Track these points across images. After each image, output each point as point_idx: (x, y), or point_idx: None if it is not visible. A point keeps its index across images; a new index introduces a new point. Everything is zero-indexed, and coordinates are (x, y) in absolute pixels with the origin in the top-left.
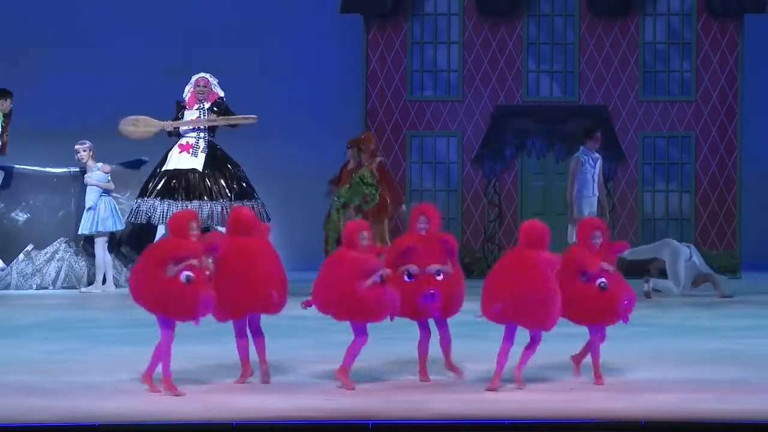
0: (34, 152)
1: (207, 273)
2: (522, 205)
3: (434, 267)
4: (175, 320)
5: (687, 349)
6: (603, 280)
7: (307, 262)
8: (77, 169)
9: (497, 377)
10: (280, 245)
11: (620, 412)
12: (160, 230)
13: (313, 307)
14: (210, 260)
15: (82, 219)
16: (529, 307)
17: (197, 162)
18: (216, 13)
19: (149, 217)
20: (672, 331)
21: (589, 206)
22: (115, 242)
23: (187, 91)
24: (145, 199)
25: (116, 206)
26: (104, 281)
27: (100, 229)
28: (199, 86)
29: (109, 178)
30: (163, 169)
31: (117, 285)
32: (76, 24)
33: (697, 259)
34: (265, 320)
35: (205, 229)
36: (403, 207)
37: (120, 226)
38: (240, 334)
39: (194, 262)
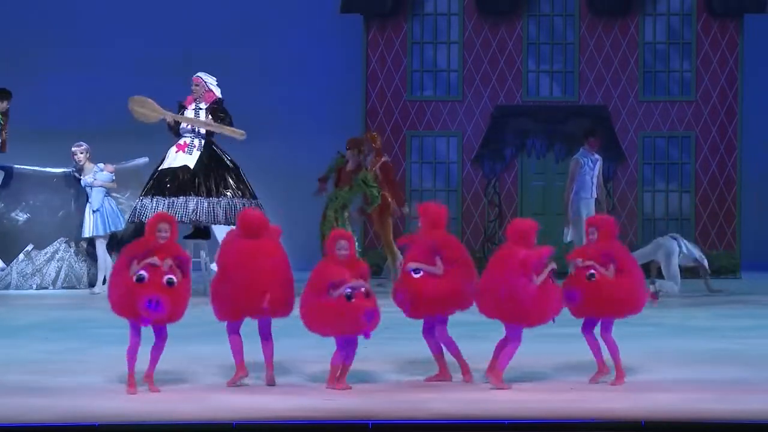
0: (34, 152)
1: (167, 277)
2: (522, 205)
3: (413, 265)
4: (132, 322)
5: (687, 349)
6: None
7: (307, 262)
8: (70, 170)
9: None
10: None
11: (620, 412)
12: None
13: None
14: (171, 264)
15: (88, 221)
16: (495, 301)
17: (190, 159)
18: (216, 13)
19: (144, 216)
20: (672, 331)
21: (587, 208)
22: (115, 242)
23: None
24: (141, 198)
25: (117, 205)
26: (105, 281)
27: (111, 230)
28: (193, 85)
29: (114, 177)
30: (158, 169)
31: None
32: (76, 24)
33: (686, 248)
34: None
35: (200, 229)
36: (406, 208)
37: (121, 226)
38: (232, 331)
39: (154, 261)
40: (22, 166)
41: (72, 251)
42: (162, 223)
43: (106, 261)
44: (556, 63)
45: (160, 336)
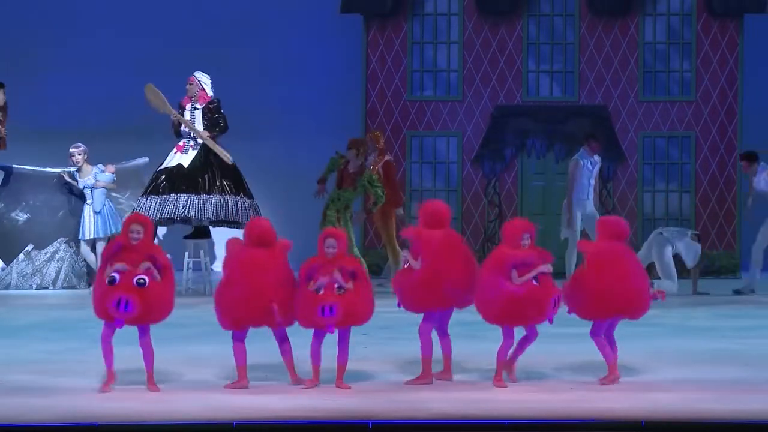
0: (34, 152)
1: (137, 277)
2: (522, 205)
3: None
4: (106, 323)
5: (687, 349)
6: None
7: None
8: (71, 170)
9: (499, 375)
10: None
11: (620, 412)
12: (160, 230)
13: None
14: (148, 266)
15: (88, 222)
16: (476, 299)
17: (185, 159)
18: (216, 13)
19: None
20: (672, 331)
21: (582, 209)
22: None
23: None
24: (139, 199)
25: (115, 207)
26: None
27: (111, 232)
28: (187, 84)
29: (115, 177)
30: (157, 170)
31: None
32: (76, 24)
33: (677, 245)
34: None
35: (200, 229)
36: (400, 210)
37: (120, 228)
38: (237, 339)
39: (122, 267)
40: (22, 166)
41: (72, 251)
42: (134, 224)
43: None
44: (556, 63)
45: (144, 334)
